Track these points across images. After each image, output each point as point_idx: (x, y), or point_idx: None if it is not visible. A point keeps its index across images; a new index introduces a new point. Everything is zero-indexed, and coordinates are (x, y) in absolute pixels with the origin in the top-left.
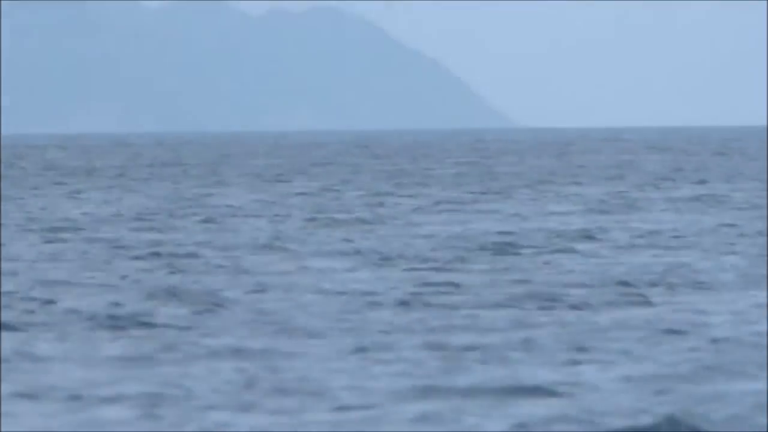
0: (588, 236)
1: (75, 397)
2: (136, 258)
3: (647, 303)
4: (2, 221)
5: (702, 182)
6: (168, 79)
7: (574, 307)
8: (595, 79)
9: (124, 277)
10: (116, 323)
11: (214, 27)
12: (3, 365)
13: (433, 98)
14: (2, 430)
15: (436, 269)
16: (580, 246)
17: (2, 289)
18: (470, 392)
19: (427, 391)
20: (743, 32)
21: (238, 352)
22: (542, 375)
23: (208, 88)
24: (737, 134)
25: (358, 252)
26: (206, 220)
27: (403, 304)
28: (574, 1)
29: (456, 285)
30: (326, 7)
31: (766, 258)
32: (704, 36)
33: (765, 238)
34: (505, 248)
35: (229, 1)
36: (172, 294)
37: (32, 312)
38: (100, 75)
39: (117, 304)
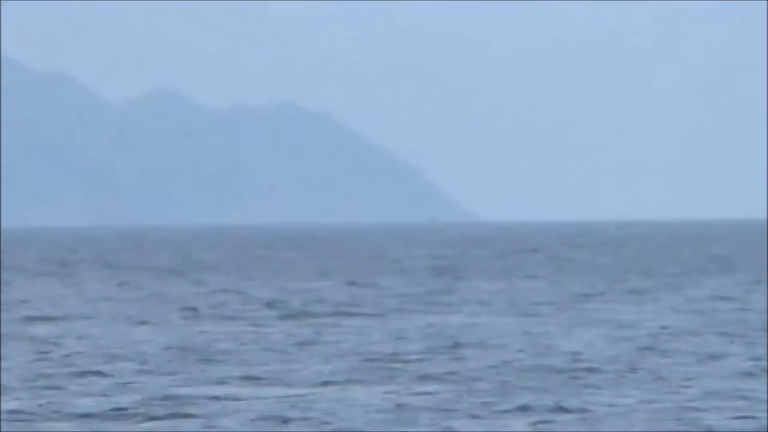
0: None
1: None
2: None
3: None
4: None
5: None
6: (130, 171)
7: None
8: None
9: None
10: None
11: (177, 121)
12: None
13: (396, 194)
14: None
15: None
16: None
17: None
18: None
19: None
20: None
21: None
22: None
23: (170, 182)
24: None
25: None
26: None
27: None
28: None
29: None
30: (288, 104)
31: None
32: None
33: None
34: None
35: (191, 97)
36: None
37: None
38: (62, 167)
39: None
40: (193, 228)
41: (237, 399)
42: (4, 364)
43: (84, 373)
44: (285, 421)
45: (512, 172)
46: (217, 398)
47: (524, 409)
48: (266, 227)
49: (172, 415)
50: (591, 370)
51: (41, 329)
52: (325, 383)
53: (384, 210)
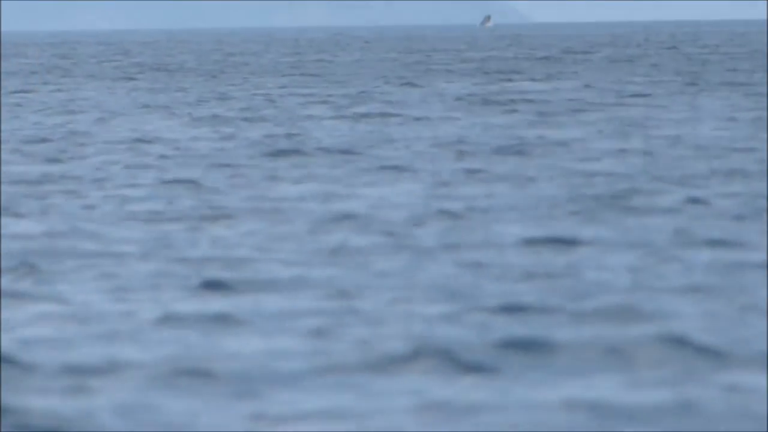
0: None
1: None
2: None
3: None
4: None
5: None
6: None
7: None
8: None
9: None
10: None
11: None
12: None
13: None
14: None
15: None
16: None
17: None
18: None
19: None
20: None
21: None
22: None
23: None
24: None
25: None
26: None
27: None
28: None
29: None
30: None
31: None
32: None
33: None
34: None
35: None
36: None
37: None
38: None
39: None
40: (240, 31)
41: None
42: None
43: None
44: None
45: None
46: None
47: None
48: (314, 29)
49: None
50: None
51: None
52: None
53: (436, 11)
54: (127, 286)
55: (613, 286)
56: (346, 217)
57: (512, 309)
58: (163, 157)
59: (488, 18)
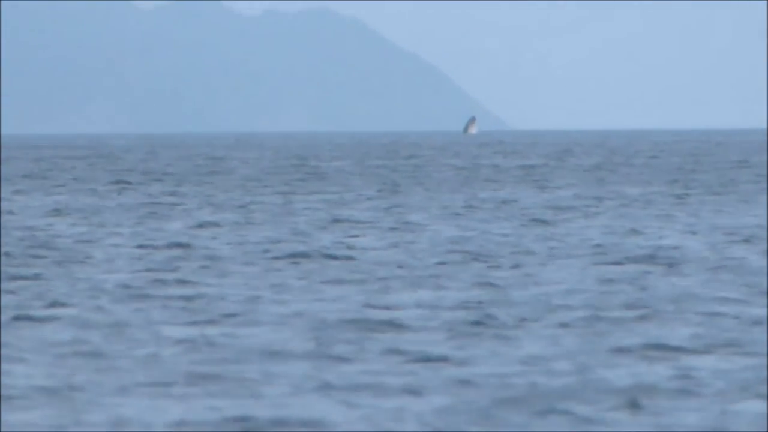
0: None
1: None
2: None
3: None
4: None
5: None
6: (163, 79)
7: None
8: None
9: None
10: None
11: (209, 27)
12: None
13: (428, 100)
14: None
15: None
16: None
17: None
18: None
19: None
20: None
21: None
22: None
23: (204, 89)
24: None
25: None
26: None
27: None
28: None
29: None
30: (320, 8)
31: None
32: (691, 37)
33: None
34: None
35: (223, 2)
36: None
37: None
38: (94, 75)
39: None
40: (227, 135)
41: None
42: None
43: None
44: None
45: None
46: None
47: None
48: (297, 134)
49: None
50: None
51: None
52: None
53: (416, 116)
54: None
55: None
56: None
57: None
58: None
59: (473, 120)
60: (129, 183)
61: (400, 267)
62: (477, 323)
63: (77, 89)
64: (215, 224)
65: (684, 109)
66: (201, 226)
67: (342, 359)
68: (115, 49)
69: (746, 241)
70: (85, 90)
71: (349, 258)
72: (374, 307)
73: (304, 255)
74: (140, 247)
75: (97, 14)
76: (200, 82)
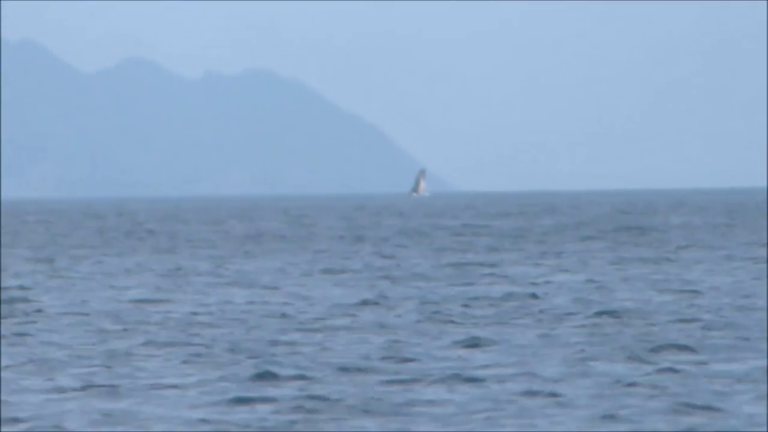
0: None
1: None
2: None
3: None
4: None
5: None
6: (102, 143)
7: None
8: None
9: None
10: None
11: (149, 91)
12: None
13: (370, 161)
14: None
15: None
16: None
17: None
18: None
19: None
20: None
21: None
22: None
23: (143, 153)
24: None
25: None
26: None
27: None
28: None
29: None
30: (261, 70)
31: None
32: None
33: None
34: None
35: (163, 65)
36: None
37: None
38: (33, 140)
39: None
40: (172, 200)
41: None
42: None
43: None
44: None
45: (489, 144)
46: None
47: None
48: (241, 198)
49: None
50: None
51: None
52: None
53: (359, 178)
54: None
55: None
56: None
57: None
58: None
59: (422, 174)
60: None
61: None
62: None
63: (10, 155)
64: None
65: (637, 162)
66: None
67: None
68: (55, 113)
69: None
70: (25, 153)
71: None
72: None
73: None
74: None
75: (36, 76)
76: (139, 145)
